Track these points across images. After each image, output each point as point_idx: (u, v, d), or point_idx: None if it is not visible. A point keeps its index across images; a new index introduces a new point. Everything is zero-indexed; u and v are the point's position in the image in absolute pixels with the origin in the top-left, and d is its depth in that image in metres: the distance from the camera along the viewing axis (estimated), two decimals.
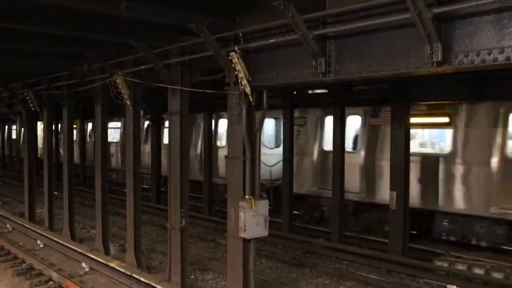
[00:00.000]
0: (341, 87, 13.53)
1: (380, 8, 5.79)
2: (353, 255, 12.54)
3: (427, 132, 15.43)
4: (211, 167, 18.73)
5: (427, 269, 11.34)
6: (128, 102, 10.83)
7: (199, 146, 19.93)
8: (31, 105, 15.10)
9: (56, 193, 15.92)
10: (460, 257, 11.54)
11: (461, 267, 11.08)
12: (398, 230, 12.33)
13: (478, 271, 10.84)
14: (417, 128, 14.11)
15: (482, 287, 10.42)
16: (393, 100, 12.60)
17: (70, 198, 14.16)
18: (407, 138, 12.28)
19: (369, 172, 14.32)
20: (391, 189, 12.47)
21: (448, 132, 12.97)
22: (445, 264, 11.30)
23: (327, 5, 6.46)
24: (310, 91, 16.06)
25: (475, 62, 5.18)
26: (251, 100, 7.82)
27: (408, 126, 12.27)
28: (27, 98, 15.04)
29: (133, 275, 10.22)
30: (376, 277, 11.14)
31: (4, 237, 14.68)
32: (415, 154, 13.14)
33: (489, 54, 5.08)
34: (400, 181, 12.27)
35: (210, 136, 18.93)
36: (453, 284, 10.38)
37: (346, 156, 13.98)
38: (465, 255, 11.68)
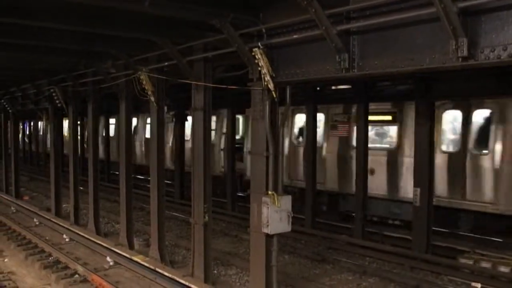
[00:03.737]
0: None
1: (404, 3, 5.72)
2: (376, 252, 12.47)
3: None
4: (233, 162, 18.74)
5: (451, 267, 11.21)
6: (152, 98, 10.91)
7: None
8: (57, 101, 15.29)
9: (81, 188, 16.12)
10: (485, 254, 11.39)
11: (486, 265, 10.93)
12: (421, 227, 12.20)
13: (503, 269, 10.68)
14: None
15: (507, 285, 10.26)
16: (416, 98, 12.48)
17: (95, 193, 14.33)
18: (431, 135, 12.17)
19: None
20: (415, 185, 12.34)
21: None
22: (470, 262, 11.17)
23: (350, 0, 6.41)
24: None
25: (502, 57, 5.08)
26: (274, 96, 7.79)
27: (432, 123, 12.14)
28: (54, 94, 15.23)
29: (157, 269, 10.30)
30: (399, 274, 11.05)
31: (31, 231, 14.90)
32: None
33: None
34: (424, 178, 12.14)
35: (234, 132, 18.92)
36: (478, 282, 10.25)
37: None
38: (491, 252, 11.52)
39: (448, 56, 5.40)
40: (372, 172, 14.41)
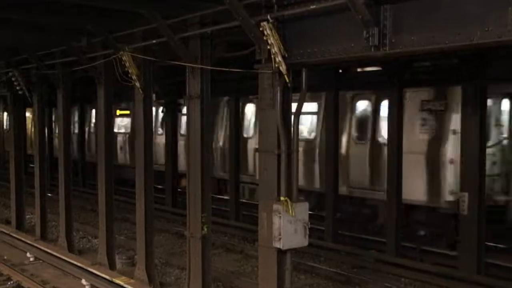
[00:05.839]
0: None
1: None
2: (413, 271, 12.45)
3: None
4: (237, 163, 18.80)
5: None
6: (137, 84, 10.94)
7: None
8: (17, 87, 15.33)
9: (50, 195, 16.17)
10: None
11: None
12: (470, 241, 12.17)
13: None
14: None
15: None
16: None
17: (67, 201, 14.37)
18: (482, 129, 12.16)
19: None
20: (462, 189, 12.33)
21: None
22: None
23: None
24: None
25: None
26: (287, 80, 7.81)
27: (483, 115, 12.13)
28: (13, 79, 15.27)
29: None
30: None
31: None
32: None
33: None
34: (473, 180, 12.12)
35: (237, 125, 18.93)
36: None
37: None
38: None
39: (506, 28, 5.36)
40: None
